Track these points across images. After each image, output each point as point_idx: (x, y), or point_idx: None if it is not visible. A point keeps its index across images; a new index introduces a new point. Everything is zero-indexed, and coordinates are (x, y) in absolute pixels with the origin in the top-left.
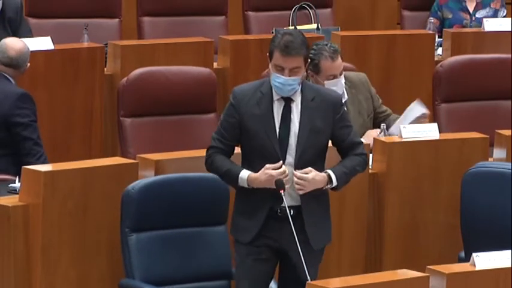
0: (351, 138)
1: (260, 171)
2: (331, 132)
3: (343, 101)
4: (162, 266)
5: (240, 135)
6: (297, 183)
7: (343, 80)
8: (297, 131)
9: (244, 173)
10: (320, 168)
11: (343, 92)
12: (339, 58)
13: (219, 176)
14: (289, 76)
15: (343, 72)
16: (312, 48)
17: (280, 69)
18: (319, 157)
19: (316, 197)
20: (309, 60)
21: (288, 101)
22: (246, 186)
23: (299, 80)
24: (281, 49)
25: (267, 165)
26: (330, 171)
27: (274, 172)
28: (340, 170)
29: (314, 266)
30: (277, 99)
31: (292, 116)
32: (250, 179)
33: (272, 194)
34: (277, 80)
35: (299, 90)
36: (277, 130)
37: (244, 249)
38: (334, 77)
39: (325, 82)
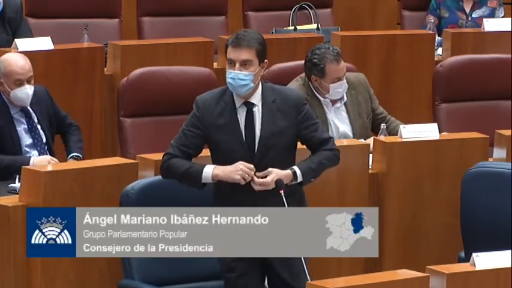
0: (318, 135)
1: (232, 165)
2: (296, 131)
3: (343, 103)
4: (160, 266)
5: (201, 146)
6: (259, 190)
7: (346, 82)
8: (259, 134)
9: (209, 167)
10: (285, 167)
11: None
12: (342, 60)
13: (176, 178)
14: (240, 71)
15: None
16: (315, 53)
17: (232, 64)
18: (285, 156)
19: (289, 196)
20: (313, 65)
21: (250, 107)
22: (210, 180)
23: (252, 77)
24: (232, 41)
25: (241, 162)
26: (295, 167)
27: (241, 165)
28: (306, 165)
29: (300, 267)
30: (239, 106)
31: (255, 121)
32: (216, 170)
33: (249, 198)
34: (229, 76)
35: (259, 93)
36: (244, 137)
37: (226, 263)
38: (339, 79)
39: (330, 85)
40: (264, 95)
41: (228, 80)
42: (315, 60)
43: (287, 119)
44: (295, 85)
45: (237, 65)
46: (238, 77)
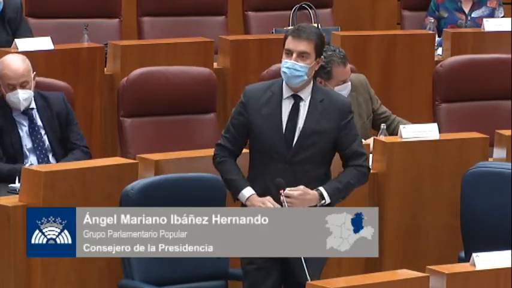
0: (354, 147)
1: (262, 199)
2: (335, 136)
3: None
4: (160, 266)
5: (246, 135)
6: (284, 201)
7: (350, 84)
8: (301, 129)
9: (248, 192)
10: (319, 170)
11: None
12: (348, 63)
13: (221, 177)
14: (296, 61)
15: None
16: None
17: (289, 54)
18: (320, 160)
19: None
20: (319, 67)
21: (297, 100)
22: (242, 202)
23: (307, 69)
24: (293, 31)
25: (269, 198)
26: (321, 189)
27: (270, 205)
28: (334, 186)
29: (316, 268)
30: (287, 97)
31: (299, 116)
32: (250, 199)
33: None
34: (285, 65)
35: (309, 90)
36: (284, 128)
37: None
38: (344, 81)
39: (335, 87)
40: (313, 92)
41: (283, 69)
42: (321, 63)
43: (331, 121)
44: None
45: (294, 55)
46: (294, 67)
